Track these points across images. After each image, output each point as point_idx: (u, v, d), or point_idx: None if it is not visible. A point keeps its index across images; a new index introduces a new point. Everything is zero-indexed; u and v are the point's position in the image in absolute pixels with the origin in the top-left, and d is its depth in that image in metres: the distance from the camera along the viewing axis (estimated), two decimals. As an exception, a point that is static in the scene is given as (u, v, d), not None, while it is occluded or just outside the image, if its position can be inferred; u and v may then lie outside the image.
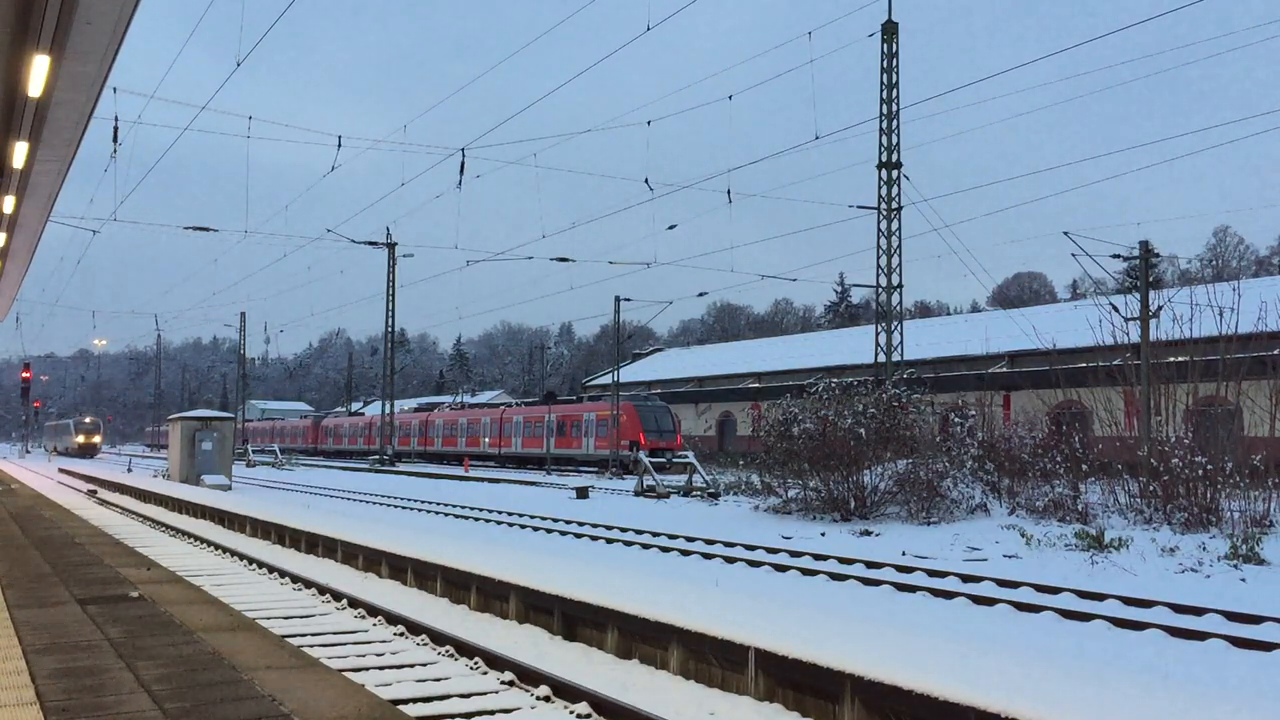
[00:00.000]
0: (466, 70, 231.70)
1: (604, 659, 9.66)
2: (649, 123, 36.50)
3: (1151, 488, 21.72)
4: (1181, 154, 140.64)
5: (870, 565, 16.61)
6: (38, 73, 10.49)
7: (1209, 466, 20.65)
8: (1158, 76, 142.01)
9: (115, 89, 23.22)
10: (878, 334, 35.58)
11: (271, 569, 15.61)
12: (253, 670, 6.02)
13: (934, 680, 6.65)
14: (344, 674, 6.71)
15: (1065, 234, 27.94)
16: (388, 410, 63.65)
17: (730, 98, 32.20)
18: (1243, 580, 15.32)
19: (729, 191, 34.33)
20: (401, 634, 10.62)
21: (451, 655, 9.58)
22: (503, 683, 8.53)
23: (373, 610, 11.70)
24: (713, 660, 8.57)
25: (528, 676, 8.48)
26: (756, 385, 61.13)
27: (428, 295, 70.12)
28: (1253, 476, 20.55)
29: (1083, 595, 13.52)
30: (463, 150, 32.17)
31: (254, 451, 74.99)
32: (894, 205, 34.28)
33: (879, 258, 34.75)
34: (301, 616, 11.68)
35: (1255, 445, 22.57)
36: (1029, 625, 11.92)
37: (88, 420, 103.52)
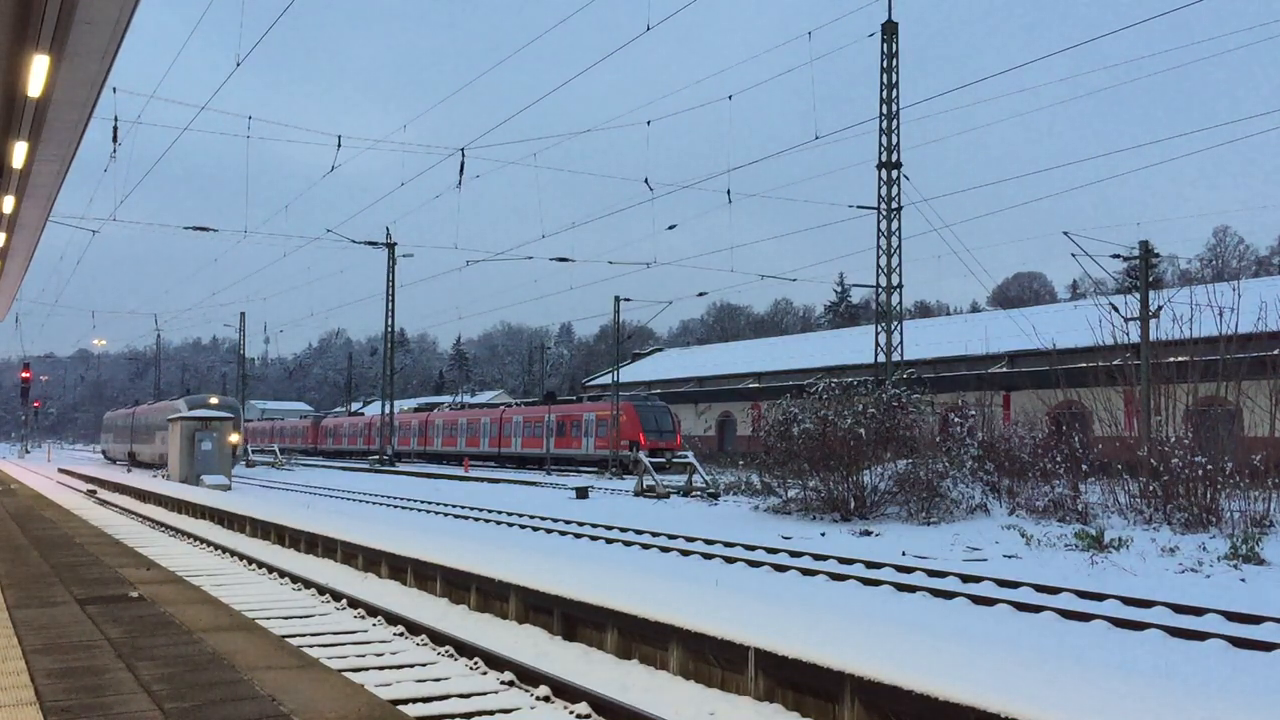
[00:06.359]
0: (466, 70, 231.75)
1: (604, 659, 9.66)
2: (649, 123, 36.49)
3: (1151, 488, 21.71)
4: (1181, 154, 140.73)
5: (870, 565, 16.60)
6: (38, 73, 10.49)
7: (1209, 466, 20.64)
8: (1158, 76, 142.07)
9: (115, 89, 23.24)
10: (878, 334, 35.56)
11: (271, 569, 15.61)
12: (252, 670, 6.01)
13: (934, 680, 6.65)
14: (344, 674, 6.71)
15: (1065, 234, 27.95)
16: (387, 410, 63.65)
17: (730, 98, 32.24)
18: (1243, 580, 15.32)
19: (729, 191, 34.33)
20: (401, 634, 10.62)
21: (451, 655, 9.57)
22: (502, 683, 8.53)
23: (372, 610, 11.70)
24: (712, 660, 8.57)
25: (527, 676, 8.47)
26: (756, 385, 61.13)
27: (428, 295, 70.19)
28: (1253, 476, 20.54)
29: (1083, 595, 13.52)
30: (463, 150, 32.21)
31: (254, 451, 74.89)
32: (894, 205, 34.27)
33: (879, 258, 34.74)
34: (301, 616, 11.68)
35: (1255, 445, 22.57)
36: (1029, 625, 11.91)
37: (214, 401, 55.78)
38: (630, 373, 75.71)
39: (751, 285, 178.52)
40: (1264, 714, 6.06)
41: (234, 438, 51.56)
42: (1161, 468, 21.30)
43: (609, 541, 20.94)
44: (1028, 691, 6.33)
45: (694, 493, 33.87)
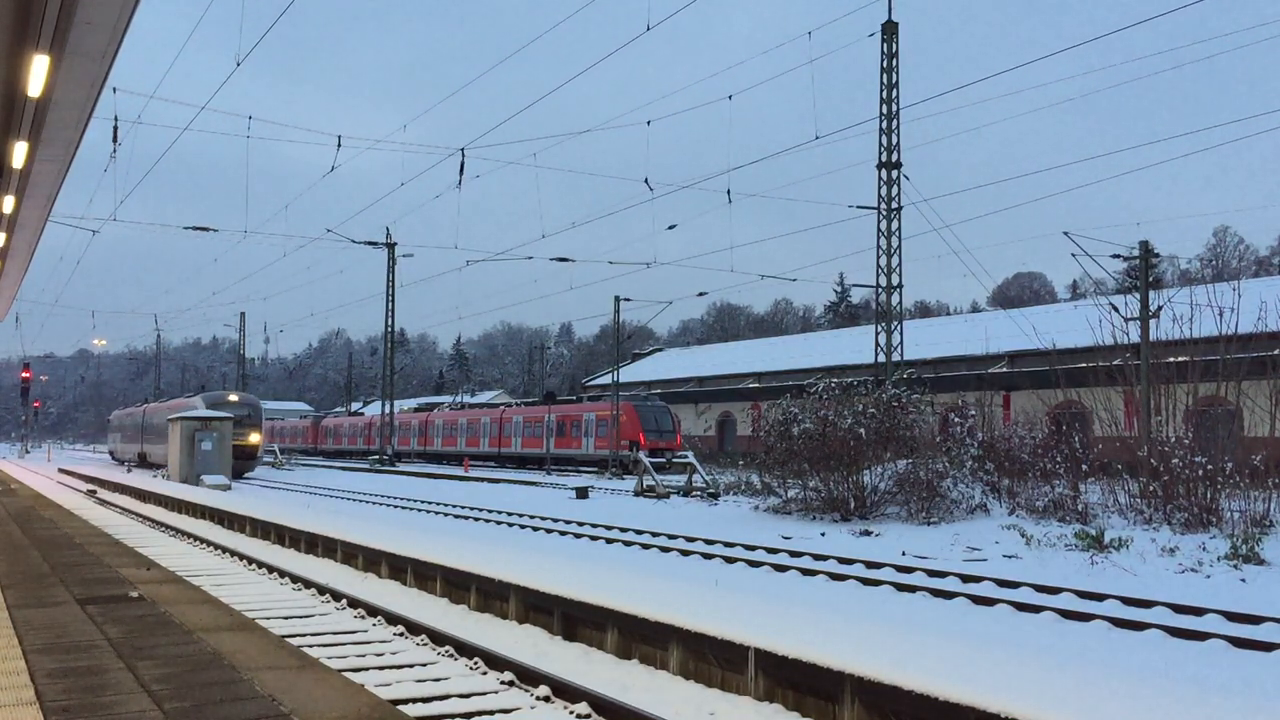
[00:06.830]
0: (466, 70, 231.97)
1: (604, 659, 9.66)
2: (649, 123, 36.58)
3: (1151, 488, 21.71)
4: (1182, 154, 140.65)
5: (870, 565, 16.60)
6: (38, 73, 10.50)
7: (1209, 466, 20.64)
8: (1158, 77, 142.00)
9: (115, 89, 23.28)
10: (878, 334, 35.57)
11: (271, 569, 15.60)
12: (252, 670, 6.01)
13: (934, 680, 6.65)
14: (344, 674, 6.71)
15: (1065, 234, 27.94)
16: (387, 410, 63.65)
17: (730, 98, 32.26)
18: (1243, 580, 15.32)
19: (729, 191, 34.39)
20: (401, 634, 10.62)
21: (451, 655, 9.57)
22: (502, 683, 8.53)
23: (372, 610, 11.70)
24: (712, 660, 8.57)
25: (527, 676, 8.47)
26: (756, 385, 61.12)
27: (428, 295, 70.08)
28: (1253, 476, 20.54)
29: (1083, 595, 13.52)
30: (463, 150, 32.26)
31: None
32: (894, 205, 34.28)
33: (879, 258, 34.75)
34: (301, 616, 11.68)
35: (1255, 445, 22.55)
36: (1029, 625, 11.92)
37: (233, 399, 51.56)
38: (630, 373, 75.70)
39: (751, 285, 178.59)
40: (1264, 714, 6.06)
41: (254, 437, 50.41)
42: (1161, 468, 21.29)
43: (609, 541, 20.94)
44: (1027, 691, 6.33)
45: (694, 493, 33.87)
